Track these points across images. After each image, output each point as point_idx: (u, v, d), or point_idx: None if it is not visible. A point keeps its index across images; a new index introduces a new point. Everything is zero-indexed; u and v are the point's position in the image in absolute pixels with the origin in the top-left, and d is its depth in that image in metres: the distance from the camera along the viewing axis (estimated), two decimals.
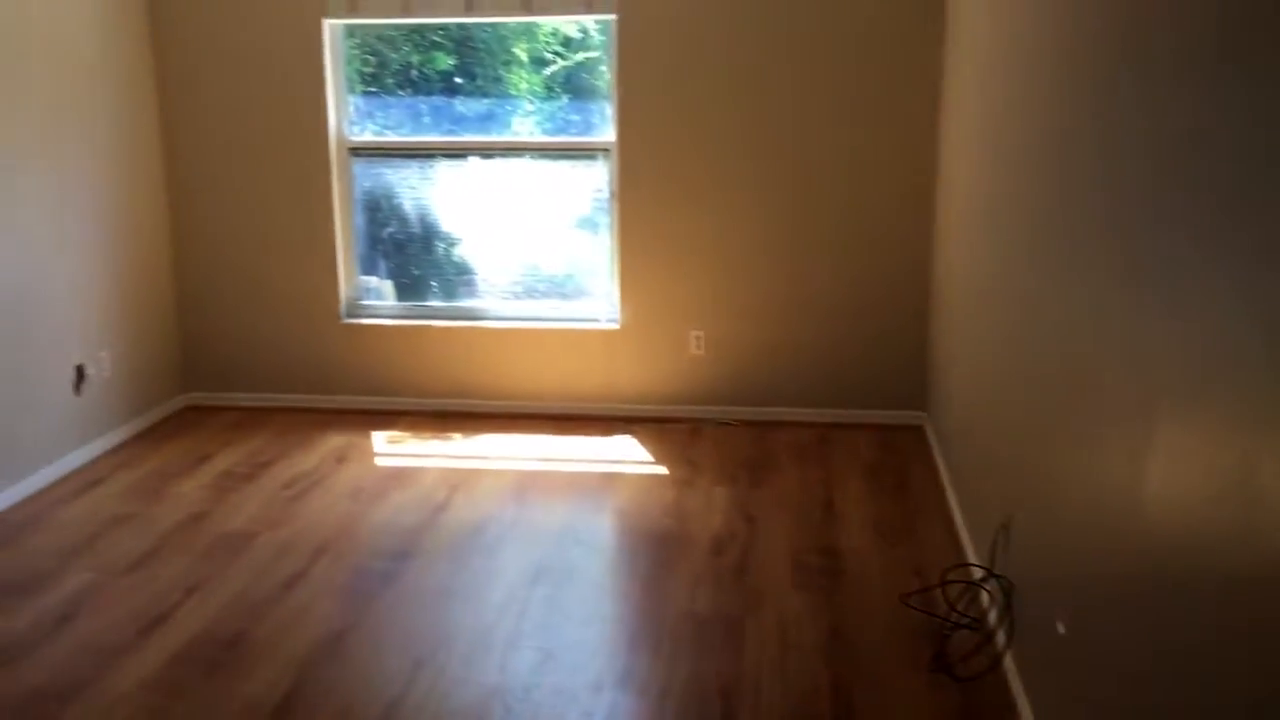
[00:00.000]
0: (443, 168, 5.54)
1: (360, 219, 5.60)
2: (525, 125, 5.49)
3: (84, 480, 4.69)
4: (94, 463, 4.89)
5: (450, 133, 5.49)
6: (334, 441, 5.19)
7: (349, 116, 5.48)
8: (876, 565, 3.88)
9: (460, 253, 5.67)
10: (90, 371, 4.90)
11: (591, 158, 5.40)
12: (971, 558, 3.78)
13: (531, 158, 5.47)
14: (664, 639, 3.38)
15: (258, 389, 5.70)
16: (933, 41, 4.99)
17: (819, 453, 5.03)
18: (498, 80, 5.50)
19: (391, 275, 5.71)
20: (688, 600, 3.62)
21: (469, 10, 5.19)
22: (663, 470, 4.82)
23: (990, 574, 3.32)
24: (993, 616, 3.31)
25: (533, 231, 5.57)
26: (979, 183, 3.95)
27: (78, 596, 3.66)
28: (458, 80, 5.48)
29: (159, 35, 5.34)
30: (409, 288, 5.70)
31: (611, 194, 5.38)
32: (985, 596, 3.46)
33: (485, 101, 5.47)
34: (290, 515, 4.33)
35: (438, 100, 5.49)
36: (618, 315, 5.46)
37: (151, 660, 3.25)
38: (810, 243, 5.25)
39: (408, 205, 5.62)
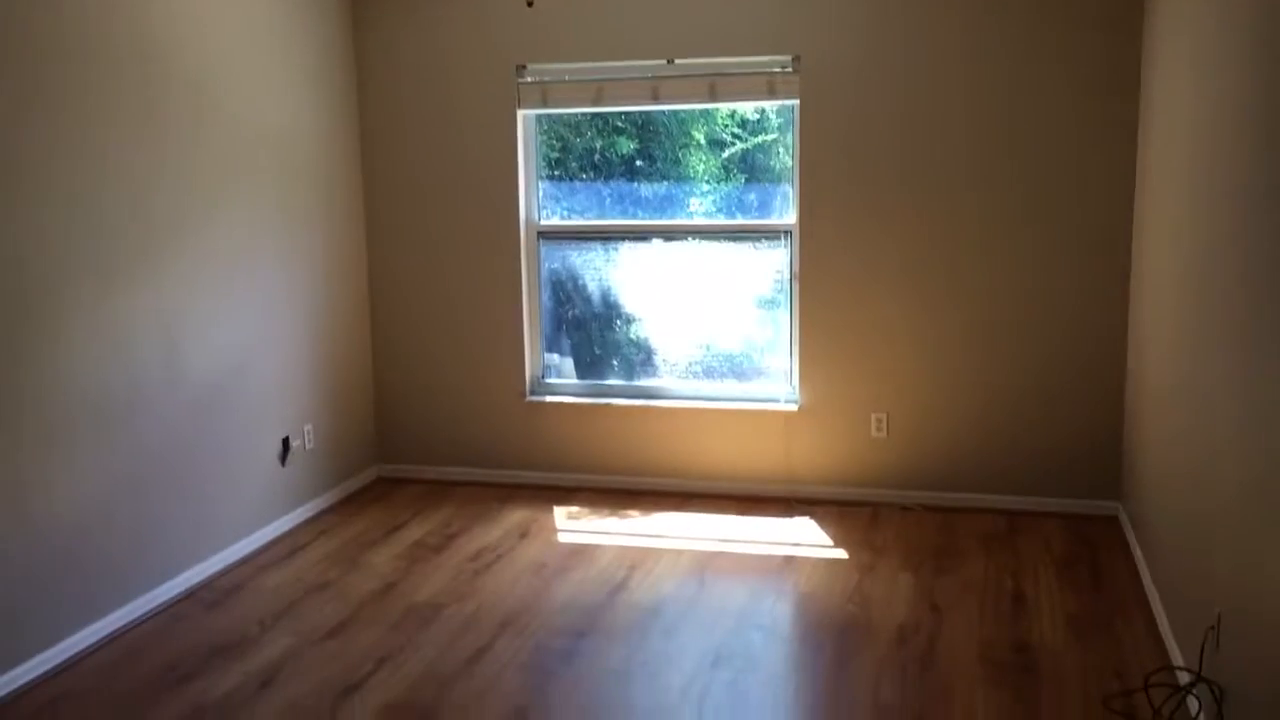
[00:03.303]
0: (625, 249, 5.68)
1: (546, 300, 5.78)
2: (702, 206, 5.59)
3: (287, 547, 4.94)
4: (296, 530, 5.15)
5: (630, 215, 5.63)
6: (516, 516, 5.32)
7: (538, 201, 5.69)
8: (1072, 663, 3.70)
9: (641, 332, 5.78)
10: (295, 444, 5.18)
11: (773, 239, 5.44)
12: (1177, 659, 3.57)
13: (713, 239, 5.55)
14: None
15: (444, 462, 5.90)
16: (1128, 113, 4.86)
17: (1007, 541, 4.86)
18: (677, 163, 5.62)
19: (573, 354, 5.86)
20: (872, 691, 3.54)
21: (656, 99, 5.35)
22: (843, 555, 4.75)
23: (1199, 678, 3.13)
24: None
25: (712, 312, 5.64)
26: (1179, 257, 3.81)
27: (279, 661, 3.83)
28: (639, 163, 5.64)
29: (366, 136, 5.69)
30: (590, 366, 5.83)
31: (792, 275, 5.40)
32: (1194, 702, 3.26)
33: (665, 184, 5.60)
34: (475, 588, 4.44)
35: (619, 183, 5.65)
36: (797, 396, 5.44)
37: None
38: (998, 324, 5.14)
39: (591, 286, 5.78)
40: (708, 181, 5.61)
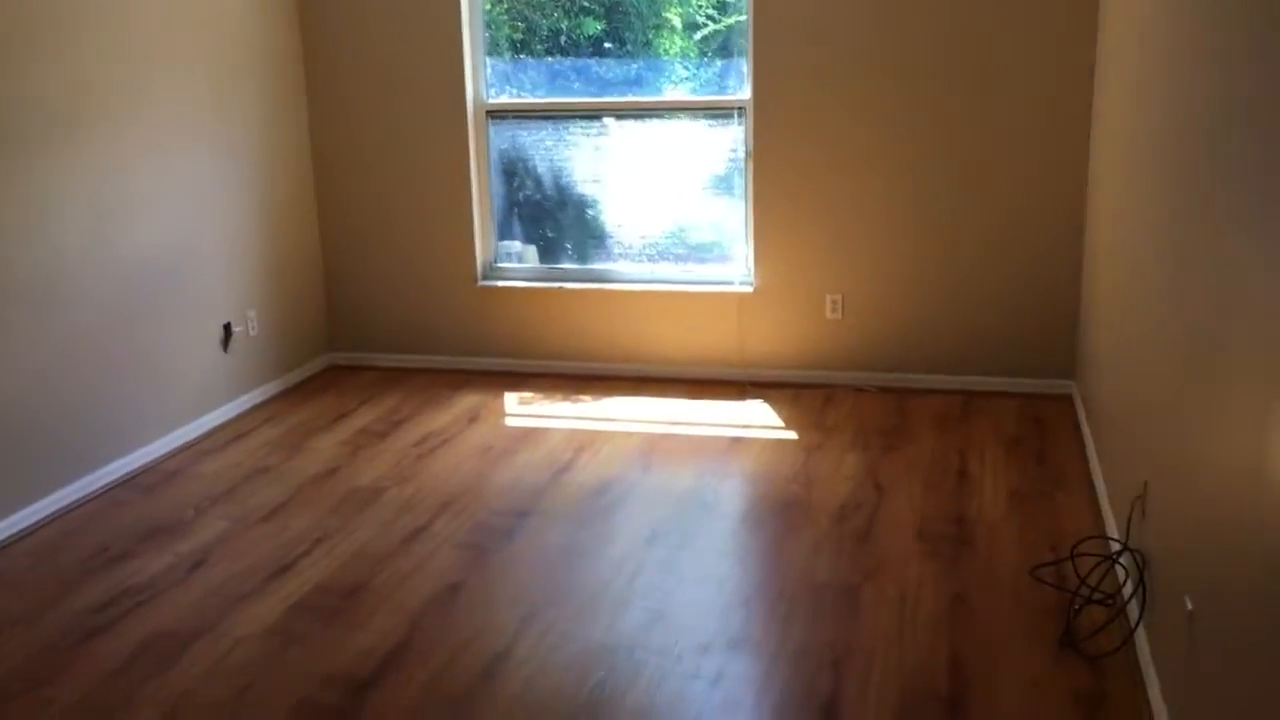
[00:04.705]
0: (578, 130, 5.52)
1: (497, 183, 5.64)
2: (678, 92, 5.40)
3: (231, 433, 4.89)
4: (241, 417, 5.09)
5: (595, 98, 5.45)
6: (467, 401, 5.26)
7: (486, 80, 5.52)
8: (1008, 536, 3.68)
9: (595, 215, 5.66)
10: (237, 329, 5.09)
11: (727, 117, 5.28)
12: (1112, 531, 3.55)
13: (665, 118, 5.39)
14: (778, 604, 3.29)
15: (396, 350, 5.83)
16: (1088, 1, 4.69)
17: (959, 421, 4.82)
18: (647, 45, 5.42)
19: (528, 238, 5.74)
20: (806, 566, 3.52)
21: None
22: (793, 435, 4.71)
23: (1125, 547, 3.11)
24: (1126, 591, 3.10)
25: (668, 193, 5.51)
26: (1133, 146, 3.69)
27: (212, 543, 3.80)
28: (607, 45, 5.44)
29: (306, 10, 5.48)
30: (544, 250, 5.72)
31: (747, 154, 5.26)
32: (1120, 570, 3.25)
33: (634, 66, 5.40)
34: (418, 472, 4.40)
35: (585, 64, 5.45)
36: (752, 278, 5.35)
37: (274, 606, 3.35)
38: (955, 204, 5.02)
39: (543, 168, 5.63)
40: (683, 65, 5.41)
